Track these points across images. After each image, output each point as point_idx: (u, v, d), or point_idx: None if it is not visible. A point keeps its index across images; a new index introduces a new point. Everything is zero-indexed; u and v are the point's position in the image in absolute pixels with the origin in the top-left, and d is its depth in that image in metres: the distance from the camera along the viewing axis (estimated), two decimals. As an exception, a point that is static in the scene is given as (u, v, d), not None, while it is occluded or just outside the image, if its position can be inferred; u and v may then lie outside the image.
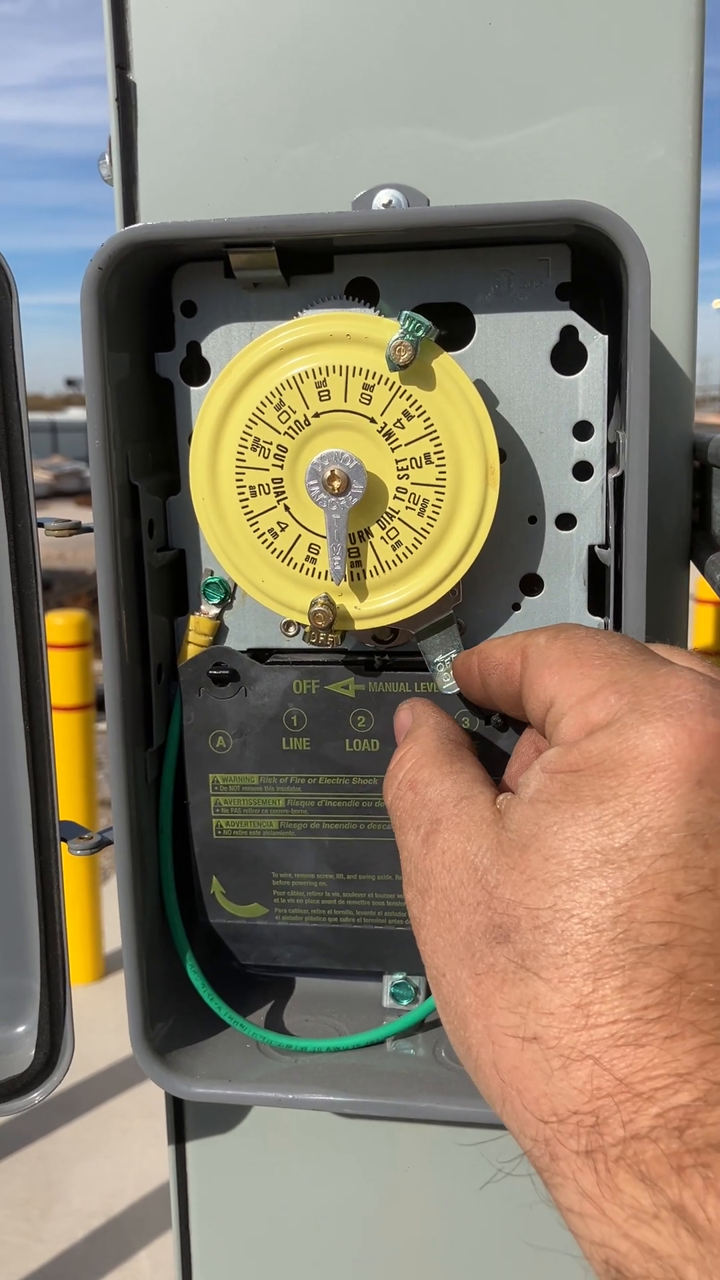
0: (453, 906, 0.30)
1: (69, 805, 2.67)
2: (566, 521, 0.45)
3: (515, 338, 0.44)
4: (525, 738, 0.39)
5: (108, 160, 0.50)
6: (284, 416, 0.42)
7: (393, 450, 0.42)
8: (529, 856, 0.29)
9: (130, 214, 0.49)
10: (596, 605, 0.46)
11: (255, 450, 0.43)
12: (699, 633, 3.08)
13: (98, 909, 2.78)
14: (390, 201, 0.47)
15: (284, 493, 0.43)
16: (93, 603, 5.85)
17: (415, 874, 0.33)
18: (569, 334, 0.44)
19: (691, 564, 0.50)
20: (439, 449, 0.42)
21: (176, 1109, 0.55)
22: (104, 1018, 2.51)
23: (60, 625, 2.70)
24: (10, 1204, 2.11)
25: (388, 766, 0.38)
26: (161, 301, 0.47)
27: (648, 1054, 0.25)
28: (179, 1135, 0.56)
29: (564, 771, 0.29)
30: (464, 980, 0.29)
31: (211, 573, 0.48)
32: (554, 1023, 0.26)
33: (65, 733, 2.69)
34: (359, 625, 0.44)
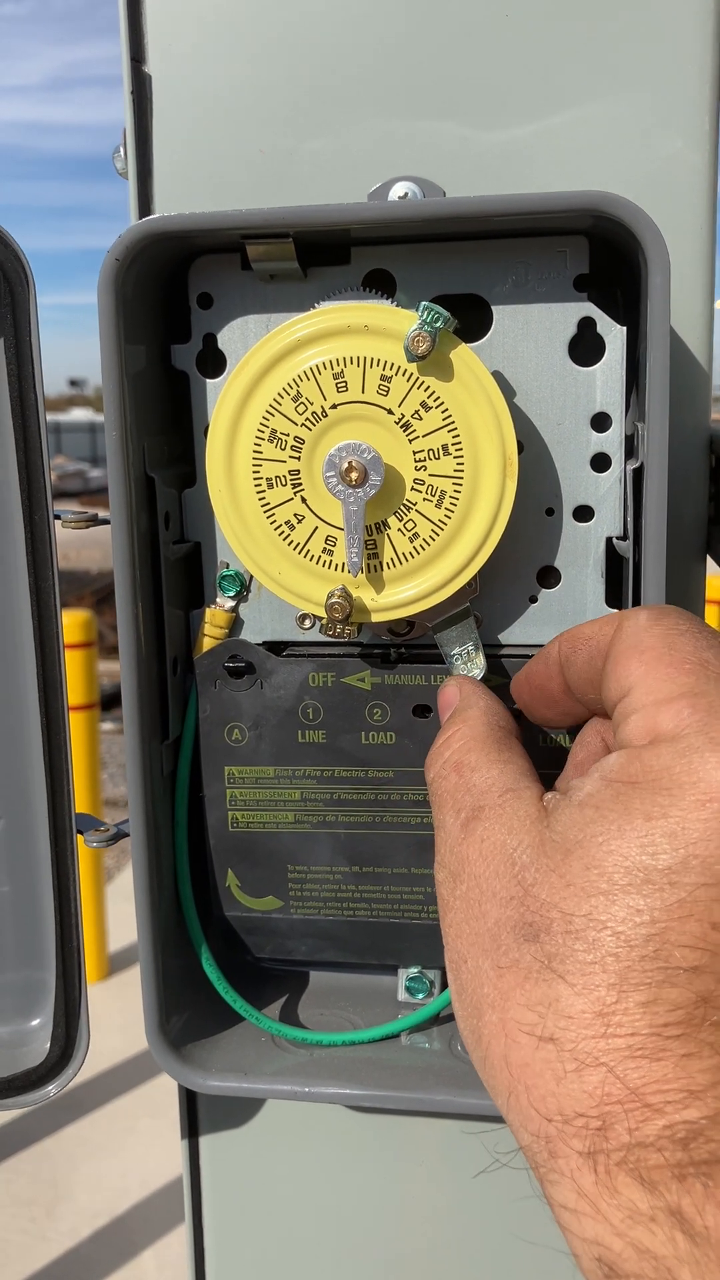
0: (484, 896, 0.30)
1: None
2: (584, 513, 0.45)
3: (533, 329, 0.44)
4: (590, 727, 0.39)
5: (122, 153, 0.50)
6: (301, 408, 0.42)
7: (410, 442, 0.42)
8: (570, 862, 0.29)
9: (146, 207, 0.49)
10: (614, 598, 0.46)
11: (272, 442, 0.43)
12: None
13: (102, 908, 2.78)
14: (406, 194, 0.47)
15: (301, 484, 0.43)
16: (97, 602, 5.85)
17: (450, 856, 0.33)
18: (587, 325, 0.44)
19: (708, 558, 0.50)
20: (457, 440, 0.42)
21: (190, 1103, 0.55)
22: (110, 1017, 2.52)
23: (65, 625, 2.69)
24: (15, 1203, 2.11)
25: (433, 743, 0.38)
26: (178, 293, 0.47)
27: (662, 1068, 0.25)
28: (192, 1129, 0.56)
29: (621, 781, 0.29)
30: (485, 970, 0.29)
31: (227, 565, 0.48)
32: (572, 1026, 0.27)
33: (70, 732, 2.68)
34: (376, 617, 0.44)
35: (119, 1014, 2.55)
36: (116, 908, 2.92)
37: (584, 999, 0.27)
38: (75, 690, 2.73)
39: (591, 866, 0.28)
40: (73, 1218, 2.08)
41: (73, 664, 2.73)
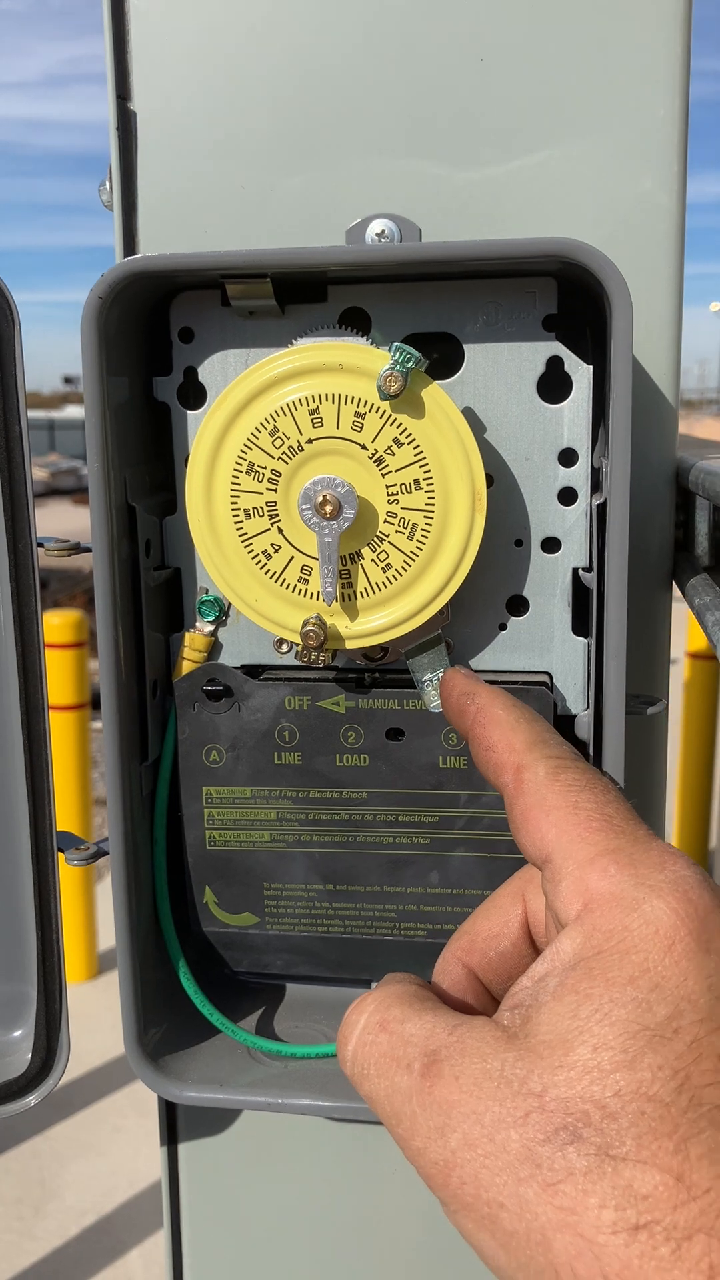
0: (492, 1129, 0.28)
1: (65, 802, 2.68)
2: (551, 545, 0.47)
3: (503, 367, 0.45)
4: (506, 891, 0.39)
5: (108, 187, 0.51)
6: (278, 442, 0.44)
7: (383, 476, 0.44)
8: (577, 1051, 0.28)
9: (130, 240, 0.51)
10: (580, 626, 0.47)
11: (250, 474, 0.44)
12: (691, 638, 3.09)
13: (92, 908, 2.79)
14: (383, 231, 0.48)
15: (277, 515, 0.45)
16: (88, 602, 5.86)
17: (423, 1113, 0.30)
18: (555, 364, 0.45)
19: (674, 584, 0.51)
20: (428, 475, 0.43)
21: (169, 1112, 0.57)
22: (98, 1015, 2.53)
23: (56, 625, 2.71)
24: (3, 1202, 2.12)
25: (340, 1028, 0.34)
26: (160, 327, 0.48)
27: None
28: (171, 1137, 0.57)
29: (585, 958, 0.30)
30: (535, 1198, 0.27)
31: (206, 591, 0.49)
32: (656, 1204, 0.25)
33: (61, 732, 2.70)
34: (350, 644, 0.45)
35: (107, 1013, 2.56)
36: (106, 908, 2.93)
37: (655, 1172, 0.26)
38: (67, 690, 2.74)
39: (600, 1047, 0.28)
40: (60, 1216, 2.09)
41: (64, 664, 2.74)
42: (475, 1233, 0.28)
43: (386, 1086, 0.31)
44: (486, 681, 0.43)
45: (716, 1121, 0.26)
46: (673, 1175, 0.26)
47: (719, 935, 0.29)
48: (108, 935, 2.90)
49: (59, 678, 2.71)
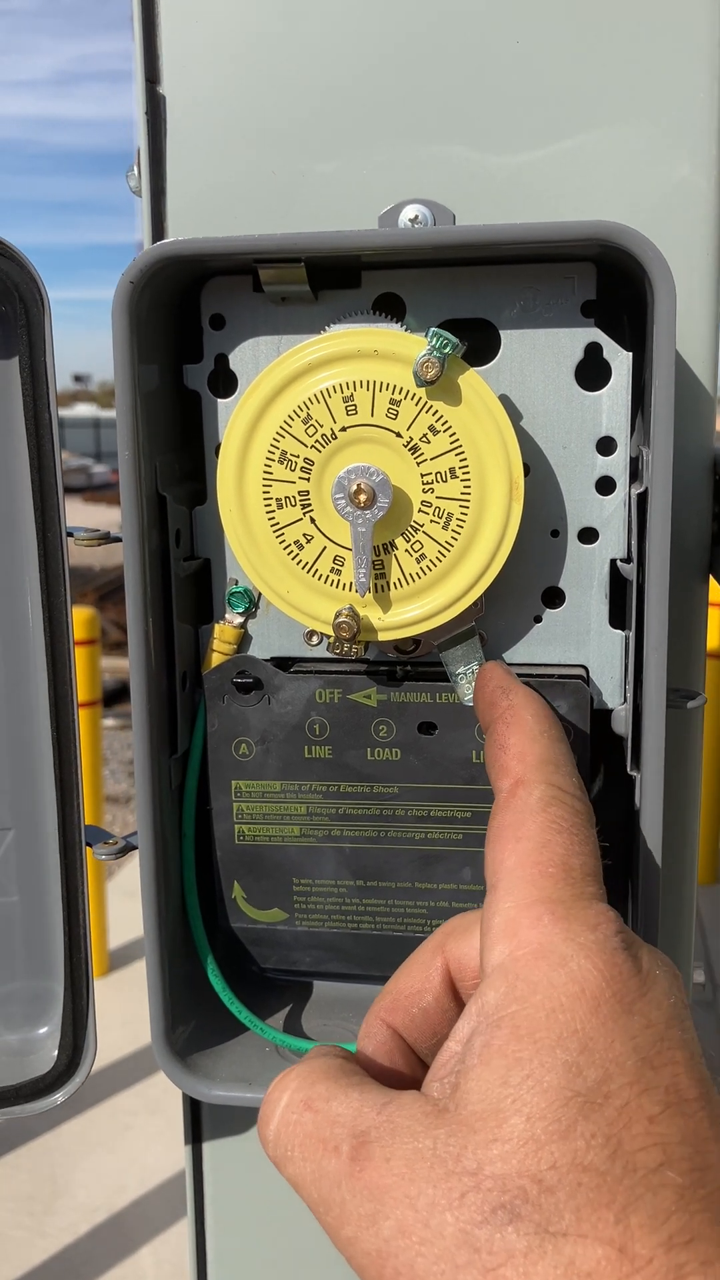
0: (427, 1213, 0.26)
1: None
2: (589, 535, 0.46)
3: (540, 354, 0.45)
4: (427, 947, 0.38)
5: (136, 172, 0.51)
6: (311, 430, 0.43)
7: (418, 465, 0.43)
8: (510, 1121, 0.27)
9: (159, 226, 0.50)
10: (617, 618, 0.46)
11: (282, 463, 0.44)
12: (710, 635, 3.08)
13: (103, 905, 2.79)
14: (416, 216, 0.47)
15: (310, 505, 0.44)
16: (99, 599, 5.87)
17: (353, 1200, 0.28)
18: (593, 350, 0.44)
19: (711, 577, 0.50)
20: (464, 463, 0.43)
21: (194, 1109, 0.56)
22: (110, 1013, 2.53)
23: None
24: (14, 1199, 2.12)
25: (261, 1106, 0.33)
26: (190, 314, 0.47)
27: None
28: (196, 1135, 0.56)
29: (509, 1015, 0.29)
30: None
31: (236, 582, 0.49)
32: (601, 1278, 0.25)
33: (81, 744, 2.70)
34: (382, 636, 0.45)
35: (119, 1010, 2.56)
36: (117, 905, 2.93)
37: (597, 1246, 0.25)
38: (79, 688, 2.73)
39: (534, 1117, 0.26)
40: (71, 1214, 2.09)
41: (77, 662, 2.73)
42: None
43: (313, 1171, 0.29)
44: (521, 677, 0.42)
45: (652, 1186, 0.25)
46: (615, 1248, 0.25)
47: (640, 999, 0.28)
48: (118, 933, 2.90)
49: (71, 675, 2.70)
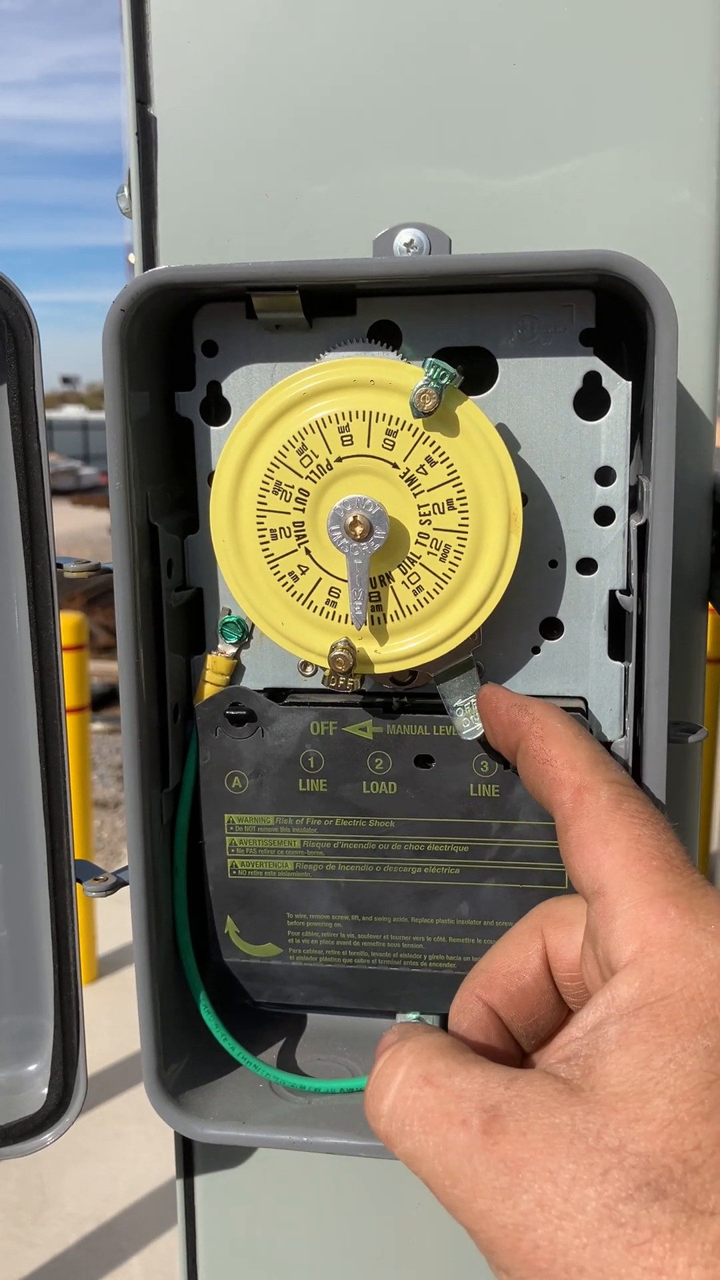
0: (569, 1188, 0.26)
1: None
2: (588, 566, 0.45)
3: (538, 383, 0.44)
4: (524, 927, 0.38)
5: (126, 193, 0.50)
6: (306, 460, 0.42)
7: (415, 496, 0.42)
8: (653, 1103, 0.27)
9: (149, 249, 0.49)
10: (616, 650, 0.46)
11: (277, 494, 0.43)
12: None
13: (92, 911, 2.78)
14: (412, 241, 0.47)
15: (305, 536, 0.43)
16: (88, 603, 5.85)
17: (486, 1172, 0.28)
18: (592, 379, 0.44)
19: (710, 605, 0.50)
20: (461, 495, 0.42)
21: (185, 1143, 0.55)
22: (98, 1020, 2.51)
23: (56, 627, 2.70)
24: (2, 1208, 2.11)
25: (369, 1083, 0.32)
26: (182, 341, 0.46)
27: None
28: (188, 1169, 0.56)
29: (649, 1004, 0.29)
30: (618, 1259, 0.25)
31: (229, 612, 0.48)
32: None
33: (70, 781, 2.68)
34: (379, 669, 0.44)
35: (107, 1017, 2.55)
36: (106, 910, 2.91)
37: None
38: (68, 693, 2.72)
39: (677, 1099, 0.27)
40: (60, 1223, 2.07)
41: (65, 666, 2.72)
42: None
43: (437, 1144, 0.29)
44: None
45: None
46: None
47: None
48: (107, 939, 2.88)
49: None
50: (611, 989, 0.30)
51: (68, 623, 2.74)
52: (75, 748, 2.70)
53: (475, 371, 0.44)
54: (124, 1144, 2.28)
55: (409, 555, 0.43)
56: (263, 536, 0.43)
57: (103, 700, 4.62)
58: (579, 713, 0.45)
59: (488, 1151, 0.28)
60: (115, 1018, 2.55)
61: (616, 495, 0.44)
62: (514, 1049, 0.37)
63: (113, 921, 2.88)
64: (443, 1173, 0.29)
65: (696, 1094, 0.27)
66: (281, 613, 0.44)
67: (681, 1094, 0.27)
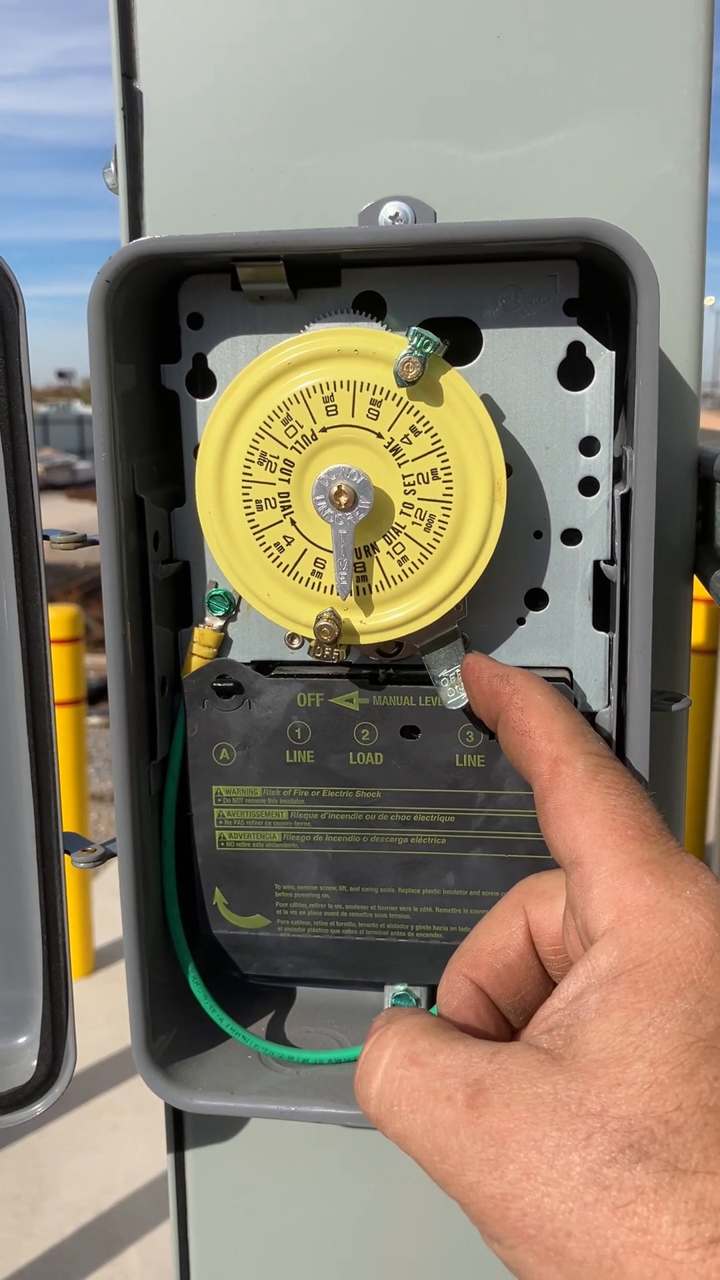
0: (553, 1154, 0.27)
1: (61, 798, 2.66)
2: (572, 536, 0.45)
3: (522, 353, 0.44)
4: (507, 904, 0.38)
5: (113, 169, 0.50)
6: (291, 431, 0.42)
7: (399, 466, 0.42)
8: (633, 1067, 0.27)
9: (135, 224, 0.49)
10: (600, 620, 0.46)
11: (262, 464, 0.43)
12: (694, 630, 3.09)
13: (88, 904, 2.78)
14: (397, 214, 0.47)
15: (290, 507, 0.43)
16: (84, 596, 5.85)
17: (473, 1145, 0.28)
18: (576, 350, 0.44)
19: (695, 577, 0.50)
20: (446, 465, 0.42)
21: (176, 1117, 0.56)
22: (95, 1012, 2.52)
23: (52, 620, 2.69)
24: (0, 1199, 2.11)
25: (359, 1065, 0.33)
26: (168, 313, 0.47)
27: None
28: (178, 1143, 0.56)
29: (627, 971, 0.29)
30: (604, 1221, 0.26)
31: (216, 584, 0.48)
32: None
33: (58, 727, 2.68)
34: (364, 640, 0.44)
35: (103, 1009, 2.55)
36: (102, 903, 2.92)
37: None
38: (62, 686, 2.72)
39: (656, 1062, 0.27)
40: (57, 1214, 2.08)
41: (60, 659, 2.72)
42: (537, 1267, 0.27)
43: (424, 1121, 0.29)
44: None
45: None
46: None
47: None
48: (104, 931, 2.89)
49: (54, 674, 2.69)
50: (591, 958, 0.30)
51: (63, 616, 2.74)
52: (70, 741, 2.70)
53: (460, 342, 0.44)
54: (121, 1135, 2.28)
55: (394, 525, 0.43)
56: (248, 508, 0.43)
57: (99, 693, 4.62)
58: (564, 683, 0.45)
59: (473, 1125, 0.28)
60: (112, 1010, 2.56)
61: (601, 466, 0.45)
62: (504, 1026, 0.37)
63: (109, 914, 2.88)
64: (431, 1149, 0.29)
65: (676, 1056, 0.27)
66: (268, 584, 0.44)
67: (661, 1057, 0.27)
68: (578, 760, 0.35)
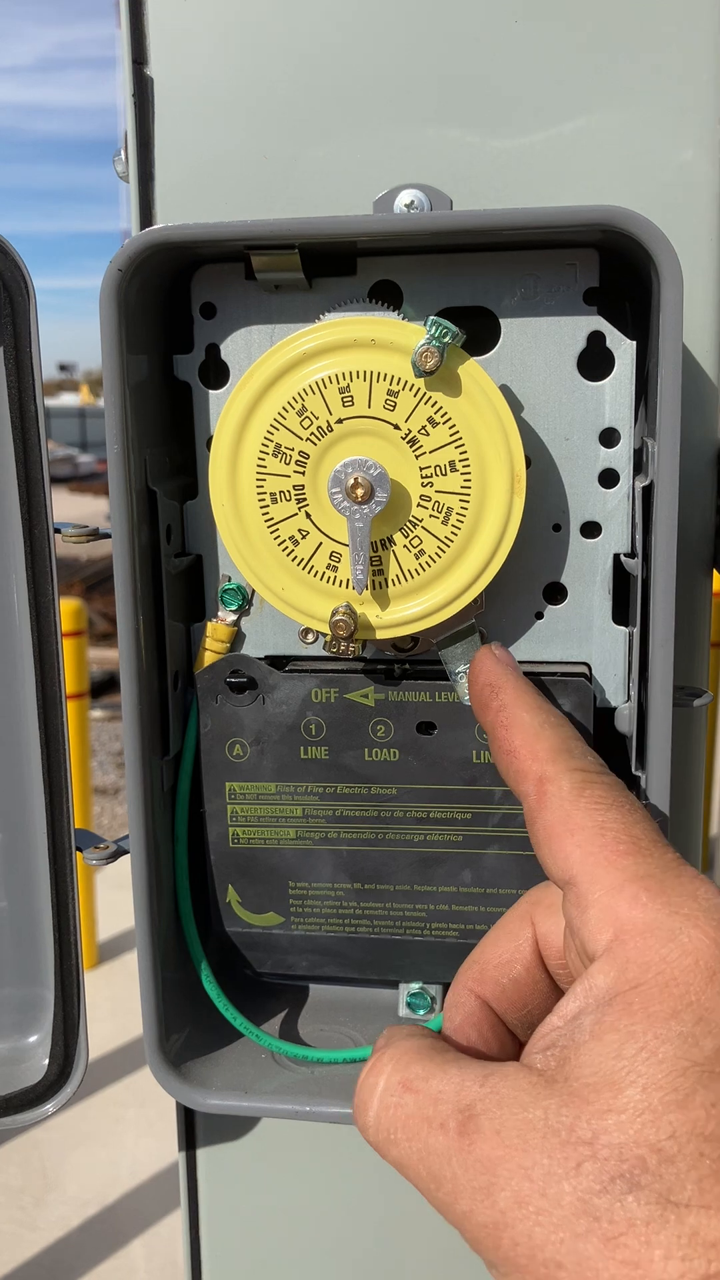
0: (543, 1183, 0.26)
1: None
2: (591, 530, 0.45)
3: (542, 343, 0.43)
4: (514, 916, 0.38)
5: (123, 156, 0.49)
6: (306, 422, 0.42)
7: (417, 457, 0.42)
8: (626, 1093, 0.26)
9: (147, 212, 0.49)
10: (620, 614, 0.45)
11: (276, 456, 0.42)
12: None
13: (92, 897, 2.78)
14: (412, 202, 0.46)
15: (305, 500, 0.43)
16: (87, 589, 5.84)
17: (465, 1174, 0.28)
18: (596, 339, 0.43)
19: (715, 571, 0.49)
20: (464, 456, 0.41)
21: (187, 1115, 0.55)
22: (99, 1005, 2.52)
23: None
24: (4, 1192, 2.11)
25: (356, 1091, 0.32)
26: (180, 303, 0.46)
27: None
28: (189, 1142, 0.55)
29: (623, 992, 0.28)
30: (594, 1253, 0.25)
31: (229, 578, 0.47)
32: None
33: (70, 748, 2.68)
34: (380, 634, 0.43)
35: (108, 1002, 2.55)
36: (106, 896, 2.92)
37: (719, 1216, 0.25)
38: (67, 680, 2.72)
39: (650, 1087, 0.26)
40: (62, 1207, 2.08)
41: (64, 654, 2.71)
42: None
43: (419, 1149, 0.29)
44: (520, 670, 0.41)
45: None
46: None
47: None
48: (107, 924, 2.89)
49: (60, 666, 2.69)
50: (589, 978, 0.30)
51: (67, 609, 2.74)
52: (75, 734, 2.70)
53: (477, 332, 0.44)
54: (125, 1128, 2.28)
55: (411, 518, 0.42)
56: (262, 500, 0.43)
57: (102, 687, 4.62)
58: (582, 679, 0.45)
59: (465, 1153, 0.28)
60: (116, 1003, 2.56)
61: (621, 457, 0.44)
62: (509, 1041, 0.37)
63: (113, 907, 2.88)
64: (427, 1177, 0.29)
65: (670, 1081, 0.26)
66: (282, 578, 0.44)
67: (654, 1082, 0.26)
68: (563, 778, 0.34)
